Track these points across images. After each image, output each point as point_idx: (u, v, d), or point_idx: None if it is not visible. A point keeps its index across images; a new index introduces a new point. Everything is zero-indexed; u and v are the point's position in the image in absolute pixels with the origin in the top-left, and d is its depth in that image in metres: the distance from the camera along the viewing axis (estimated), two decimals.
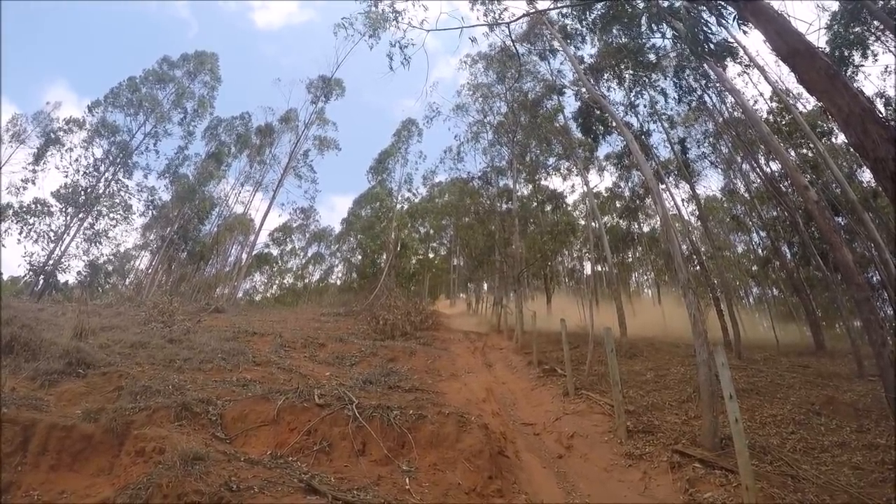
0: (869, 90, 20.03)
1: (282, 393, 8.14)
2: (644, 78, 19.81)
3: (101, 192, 30.42)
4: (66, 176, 29.25)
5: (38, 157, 29.09)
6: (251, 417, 7.45)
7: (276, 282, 49.42)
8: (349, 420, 7.29)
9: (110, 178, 31.18)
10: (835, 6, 17.37)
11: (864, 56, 17.44)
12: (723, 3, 7.29)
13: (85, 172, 29.92)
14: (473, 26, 18.43)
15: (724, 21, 7.78)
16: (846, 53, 17.24)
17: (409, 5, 12.40)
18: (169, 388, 8.20)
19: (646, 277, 48.08)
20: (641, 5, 11.62)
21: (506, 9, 19.35)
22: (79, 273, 29.55)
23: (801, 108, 19.78)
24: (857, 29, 16.72)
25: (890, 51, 17.22)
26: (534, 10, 16.26)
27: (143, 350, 11.40)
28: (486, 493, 6.47)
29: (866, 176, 21.79)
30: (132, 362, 10.10)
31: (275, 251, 46.78)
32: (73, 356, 9.09)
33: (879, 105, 19.94)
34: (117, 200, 31.37)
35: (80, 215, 29.02)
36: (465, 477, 6.55)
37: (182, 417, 7.24)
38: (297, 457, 6.64)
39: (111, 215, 30.85)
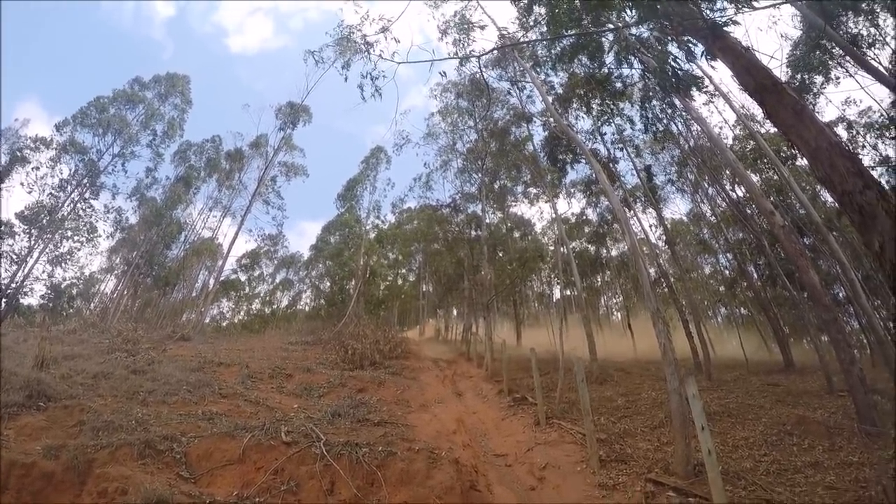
0: (832, 113, 20.69)
1: (248, 430, 7.93)
2: (612, 106, 20.09)
3: (66, 212, 29.78)
4: (31, 193, 28.63)
5: (4, 174, 28.32)
6: (216, 456, 7.24)
7: (244, 308, 48.82)
8: (317, 458, 7.12)
9: (77, 198, 30.54)
10: (797, 34, 17.89)
11: (827, 80, 17.94)
12: (691, 39, 7.41)
13: (51, 192, 29.27)
14: (444, 59, 18.62)
15: (692, 56, 7.91)
16: (808, 78, 17.72)
17: (380, 37, 12.40)
18: (132, 424, 7.98)
19: (615, 301, 48.51)
20: (610, 37, 11.79)
21: (474, 40, 19.52)
22: (42, 297, 28.88)
23: (764, 130, 20.26)
24: (818, 56, 17.20)
25: (850, 75, 17.74)
26: (501, 45, 16.43)
27: (106, 381, 11.09)
28: None
29: (829, 196, 22.37)
30: (94, 394, 9.82)
31: (243, 277, 46.28)
32: (34, 388, 8.79)
33: (841, 129, 20.58)
34: (83, 222, 30.77)
35: (45, 236, 28.35)
36: None
37: (145, 455, 7.01)
38: (264, 497, 6.45)
39: (76, 237, 30.24)
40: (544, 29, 15.36)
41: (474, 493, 7.33)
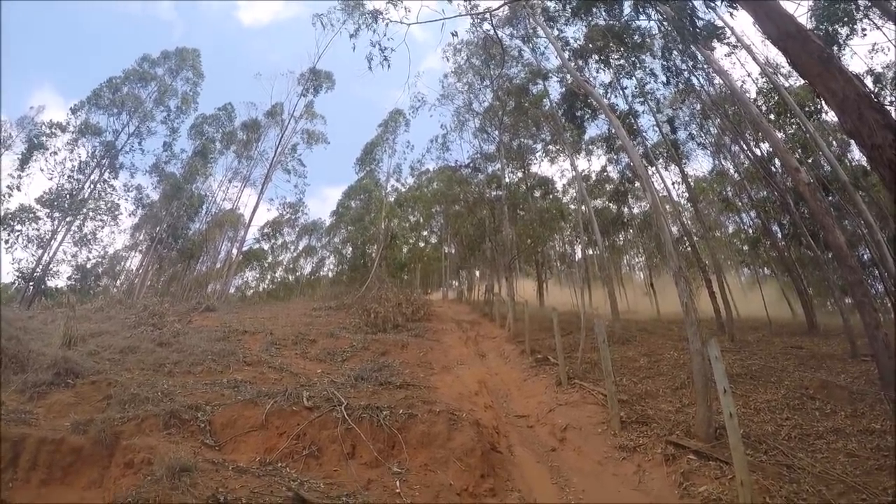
0: (857, 66, 20.03)
1: (270, 396, 8.03)
2: (632, 59, 19.63)
3: (87, 194, 30.11)
4: (52, 179, 28.95)
5: (23, 162, 28.58)
6: (240, 423, 7.35)
7: (268, 276, 49.14)
8: (338, 422, 7.20)
9: (96, 179, 30.86)
10: None
11: (853, 32, 17.35)
12: None
13: (70, 176, 29.54)
14: (454, 17, 18.36)
15: (711, 4, 7.63)
16: (832, 30, 17.14)
17: (389, 6, 12.35)
18: (158, 395, 8.09)
19: (637, 260, 48.08)
20: None
21: None
22: (69, 278, 29.40)
23: (789, 84, 19.67)
24: (843, 6, 16.61)
25: (877, 27, 17.14)
26: None
27: (133, 355, 11.27)
28: (479, 492, 6.41)
29: (856, 153, 21.76)
30: (121, 368, 9.97)
31: (265, 246, 46.47)
32: (62, 366, 8.90)
33: (868, 81, 19.91)
34: (103, 203, 31.15)
35: (68, 219, 28.72)
36: (456, 477, 6.48)
37: (171, 425, 7.15)
38: (287, 462, 6.55)
39: (98, 217, 30.65)
40: None
41: (495, 454, 7.39)
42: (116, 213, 31.90)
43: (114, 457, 6.33)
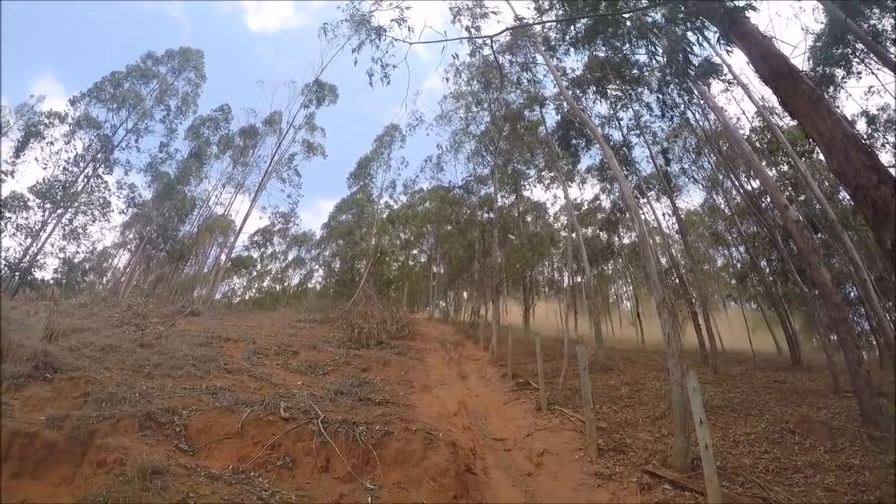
0: (853, 108, 20.35)
1: (247, 405, 7.98)
2: (630, 91, 19.87)
3: (80, 188, 29.91)
4: (46, 169, 28.72)
5: (19, 149, 28.40)
6: (215, 429, 7.28)
7: (255, 285, 49.00)
8: (314, 435, 7.15)
9: (90, 173, 30.64)
10: (819, 27, 17.54)
11: (849, 74, 17.63)
12: (707, 24, 7.23)
13: (64, 167, 29.35)
14: (455, 40, 18.60)
15: (706, 42, 7.74)
16: (828, 71, 17.40)
17: (393, 24, 12.54)
18: (135, 396, 8.05)
19: (625, 290, 48.30)
20: (628, 24, 11.60)
21: (487, 17, 19.41)
22: (55, 270, 29.17)
23: (783, 124, 19.92)
24: (840, 50, 16.89)
25: (872, 72, 17.42)
26: (515, 24, 16.29)
27: (114, 354, 11.18)
28: None
29: (845, 193, 21.99)
30: (101, 367, 9.90)
31: (255, 254, 46.25)
32: (41, 359, 8.85)
33: (862, 123, 20.20)
34: (95, 197, 30.95)
35: (59, 211, 28.53)
36: (429, 496, 6.41)
37: (146, 427, 7.10)
38: (260, 472, 6.48)
39: (90, 212, 30.43)
40: (560, 12, 15.27)
41: (470, 475, 7.34)
42: (108, 209, 31.69)
43: (87, 455, 6.28)
